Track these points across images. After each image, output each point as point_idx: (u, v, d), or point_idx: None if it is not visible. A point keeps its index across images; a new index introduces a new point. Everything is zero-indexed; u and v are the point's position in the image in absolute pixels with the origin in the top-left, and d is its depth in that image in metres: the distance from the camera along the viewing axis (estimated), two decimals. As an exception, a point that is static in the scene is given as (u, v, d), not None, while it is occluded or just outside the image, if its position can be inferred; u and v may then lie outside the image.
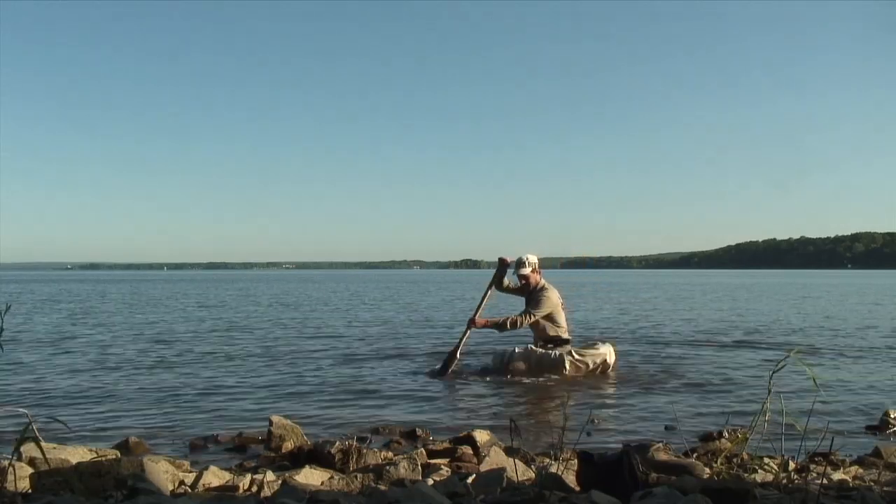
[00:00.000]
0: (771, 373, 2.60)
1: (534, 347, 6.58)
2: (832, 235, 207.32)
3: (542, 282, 6.73)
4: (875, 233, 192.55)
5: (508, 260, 6.79)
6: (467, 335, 6.73)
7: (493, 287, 6.86)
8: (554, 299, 6.61)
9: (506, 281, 6.90)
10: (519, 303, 6.95)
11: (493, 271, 7.02)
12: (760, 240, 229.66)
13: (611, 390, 5.97)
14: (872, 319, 13.96)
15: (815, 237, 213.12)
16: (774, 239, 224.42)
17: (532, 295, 6.68)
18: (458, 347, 6.69)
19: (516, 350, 6.56)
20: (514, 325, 6.50)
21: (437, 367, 6.75)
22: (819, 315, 15.30)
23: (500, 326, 6.57)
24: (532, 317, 6.51)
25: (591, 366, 6.50)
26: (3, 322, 2.28)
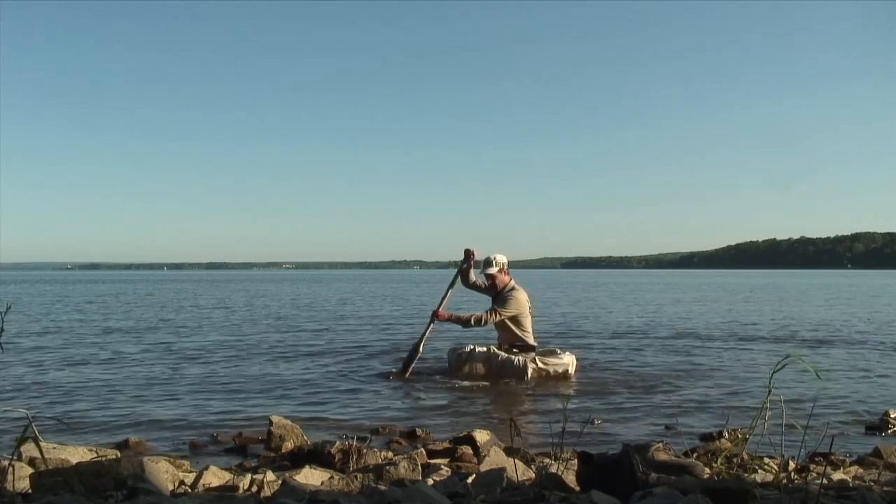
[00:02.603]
0: (771, 372, 2.59)
1: (497, 350, 6.38)
2: (832, 235, 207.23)
3: (511, 283, 6.56)
4: (875, 233, 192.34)
5: (474, 252, 6.55)
6: (430, 328, 6.45)
7: (459, 280, 6.63)
8: (522, 301, 6.43)
9: (472, 276, 6.67)
10: (485, 301, 6.76)
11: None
12: (760, 240, 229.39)
13: (611, 390, 5.96)
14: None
15: (815, 237, 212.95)
16: (774, 239, 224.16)
17: (500, 295, 6.50)
18: (420, 342, 6.43)
19: (477, 350, 6.35)
20: (478, 322, 6.29)
21: (398, 368, 6.51)
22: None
23: (464, 322, 6.37)
24: (498, 315, 6.30)
25: (552, 374, 6.32)
26: (3, 322, 2.28)
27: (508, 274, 6.63)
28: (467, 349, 6.39)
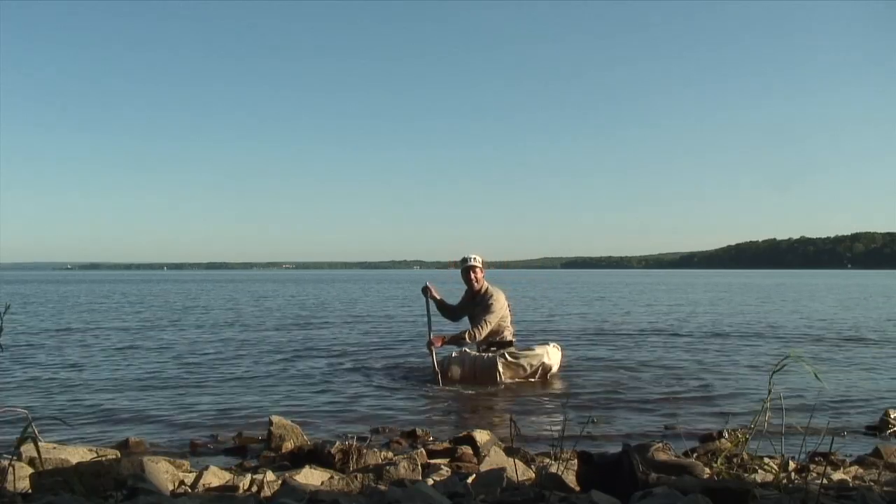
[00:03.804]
0: (771, 373, 2.59)
1: (468, 351, 6.32)
2: (832, 235, 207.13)
3: (486, 284, 6.49)
4: (875, 233, 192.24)
5: (431, 288, 6.58)
6: (434, 354, 6.32)
7: (430, 313, 6.58)
8: (503, 301, 6.38)
9: (443, 303, 6.66)
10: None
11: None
12: (760, 240, 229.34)
13: (612, 390, 5.96)
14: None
15: (815, 237, 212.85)
16: (774, 239, 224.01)
17: (478, 300, 6.41)
18: (435, 368, 6.25)
19: (453, 354, 6.31)
20: (472, 338, 6.24)
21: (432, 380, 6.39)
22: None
23: (459, 341, 6.33)
24: (487, 325, 6.23)
25: (527, 369, 6.21)
26: (2, 322, 2.28)
27: (484, 274, 6.61)
28: (446, 357, 6.32)
